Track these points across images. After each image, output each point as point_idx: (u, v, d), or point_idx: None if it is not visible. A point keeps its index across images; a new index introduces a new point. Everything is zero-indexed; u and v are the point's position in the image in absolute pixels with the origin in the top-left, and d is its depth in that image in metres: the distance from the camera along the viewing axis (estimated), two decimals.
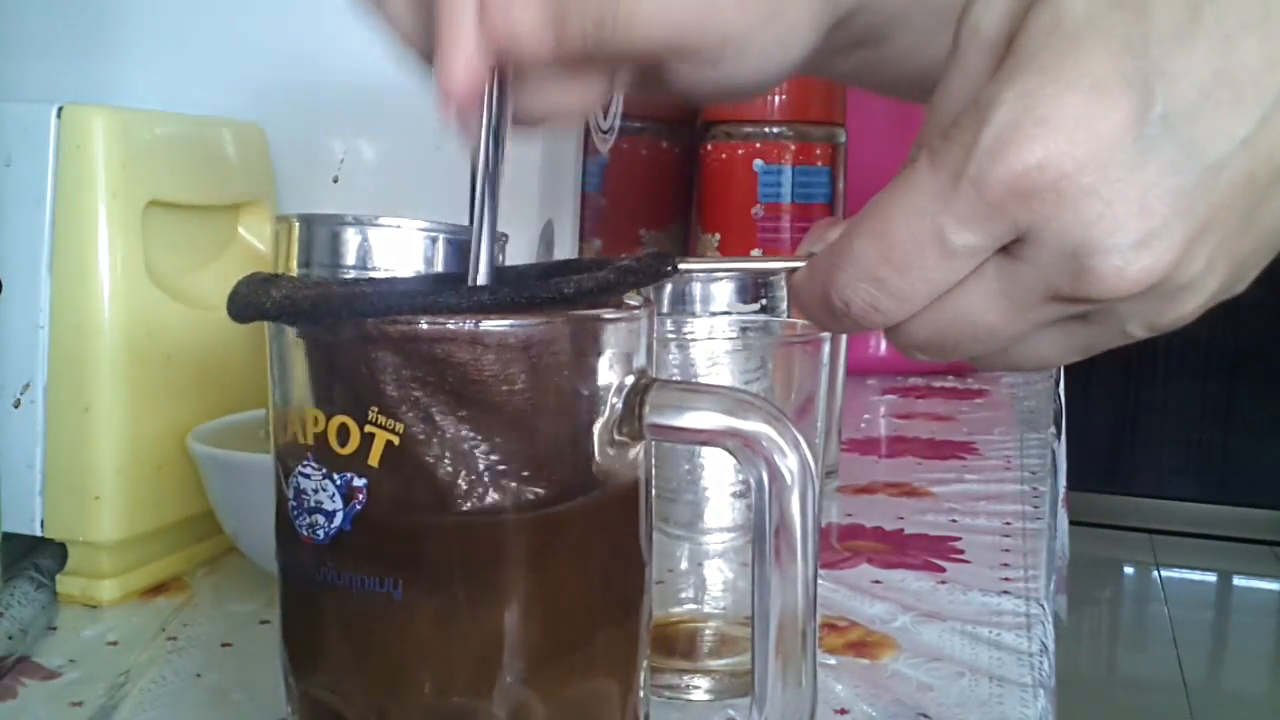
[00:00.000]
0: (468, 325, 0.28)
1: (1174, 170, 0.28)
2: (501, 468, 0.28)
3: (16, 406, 0.53)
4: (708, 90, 0.38)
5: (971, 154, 0.28)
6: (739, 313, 0.57)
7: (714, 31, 0.35)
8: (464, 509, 0.28)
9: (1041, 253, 0.29)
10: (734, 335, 0.48)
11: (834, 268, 0.31)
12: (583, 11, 0.33)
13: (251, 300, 0.29)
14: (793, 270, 0.33)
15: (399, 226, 0.53)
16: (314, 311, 0.28)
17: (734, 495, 0.45)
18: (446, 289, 0.28)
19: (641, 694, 0.32)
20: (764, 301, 0.58)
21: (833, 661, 0.49)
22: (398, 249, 0.53)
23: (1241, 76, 0.28)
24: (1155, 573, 3.31)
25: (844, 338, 0.75)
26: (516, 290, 0.28)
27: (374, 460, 0.28)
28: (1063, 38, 0.28)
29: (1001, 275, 0.30)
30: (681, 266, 0.33)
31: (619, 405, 0.30)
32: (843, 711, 0.45)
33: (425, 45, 0.36)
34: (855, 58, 0.43)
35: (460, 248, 0.54)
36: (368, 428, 0.28)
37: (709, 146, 1.06)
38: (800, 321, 0.48)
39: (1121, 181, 0.28)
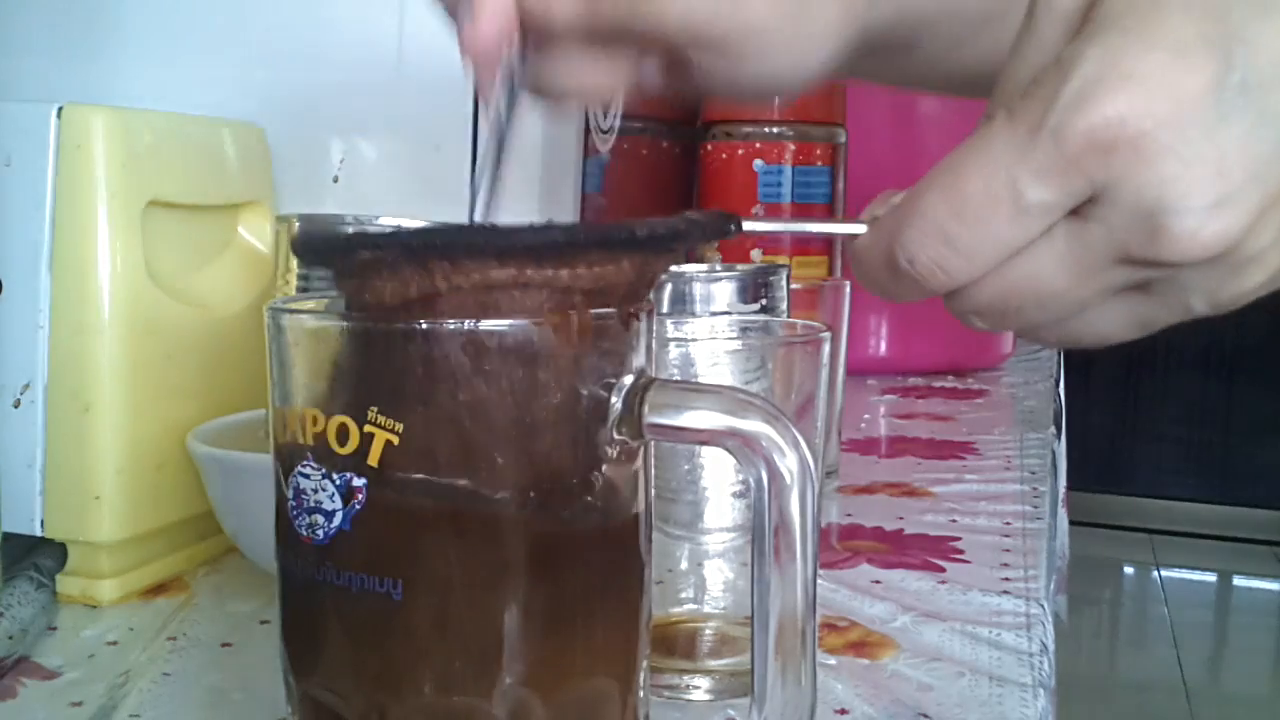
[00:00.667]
0: (468, 324, 0.28)
1: (1251, 137, 0.28)
2: (501, 467, 0.28)
3: (16, 406, 0.53)
4: (729, 87, 0.38)
5: (1052, 106, 0.28)
6: (739, 313, 0.57)
7: (741, 22, 0.35)
8: (463, 509, 0.28)
9: (1115, 212, 0.29)
10: (734, 335, 0.48)
11: (901, 225, 0.31)
12: None
13: (319, 239, 0.29)
14: (854, 236, 0.33)
15: (399, 226, 0.53)
16: (385, 243, 0.28)
17: (734, 495, 0.45)
18: (511, 231, 0.28)
19: (641, 694, 0.32)
20: (764, 301, 0.58)
21: (833, 661, 0.49)
22: None
23: None
24: (1155, 573, 3.31)
25: (844, 337, 0.75)
26: (590, 231, 0.28)
27: (373, 460, 0.28)
28: (1146, 3, 0.28)
29: (1071, 237, 0.30)
30: (745, 227, 0.33)
31: (619, 405, 0.30)
32: (843, 711, 0.45)
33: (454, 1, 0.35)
34: (881, 61, 0.43)
35: None
36: (367, 427, 0.28)
37: (709, 146, 1.06)
38: (800, 321, 0.48)
39: (1200, 143, 0.28)
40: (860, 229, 0.32)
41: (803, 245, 1.03)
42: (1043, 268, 0.30)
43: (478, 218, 0.32)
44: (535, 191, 0.74)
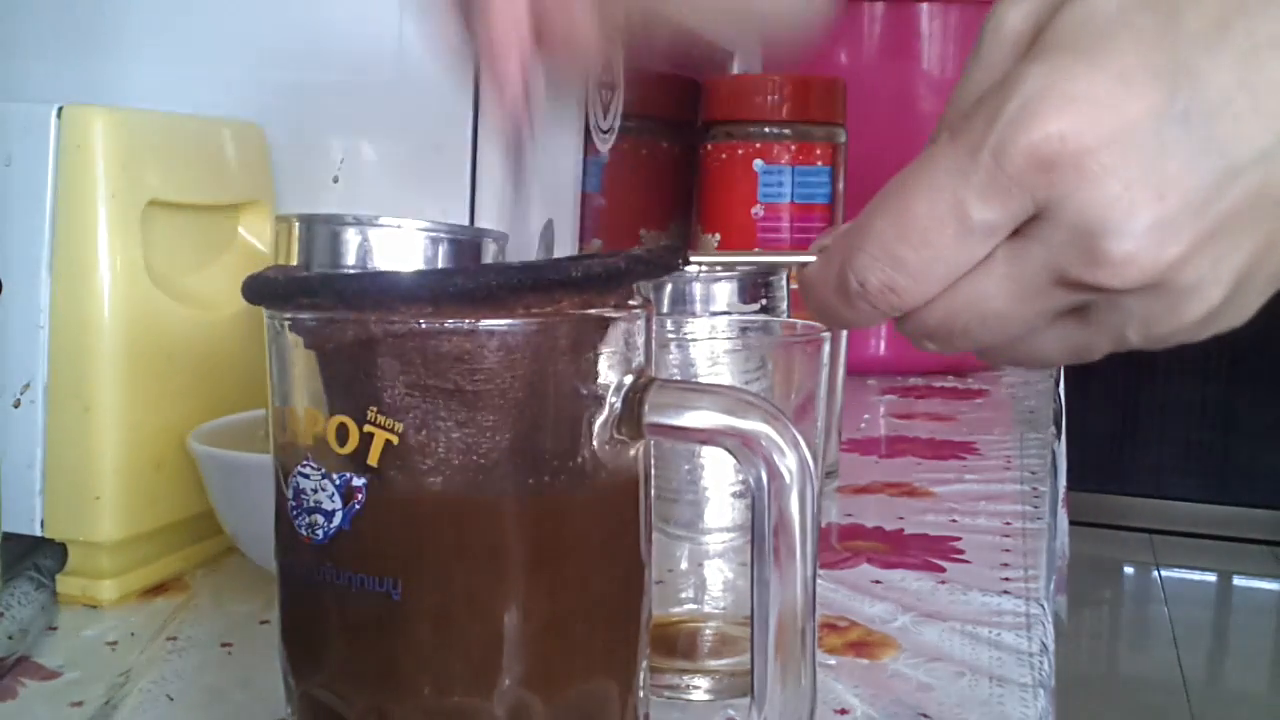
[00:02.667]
0: (467, 324, 0.28)
1: (1192, 166, 0.28)
2: (500, 468, 0.28)
3: (16, 406, 0.53)
4: (748, 40, 0.39)
5: (993, 124, 0.28)
6: (739, 313, 0.57)
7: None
8: (463, 509, 0.28)
9: (1055, 230, 0.29)
10: (734, 335, 0.48)
11: (851, 248, 0.31)
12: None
13: (262, 281, 0.29)
14: (804, 265, 0.33)
15: (399, 226, 0.53)
16: (321, 290, 0.28)
17: (734, 495, 0.45)
18: (456, 274, 0.28)
19: (641, 694, 0.32)
20: (764, 301, 0.58)
21: (833, 661, 0.49)
22: (398, 249, 0.53)
23: (1264, 89, 0.28)
24: (1155, 573, 3.31)
25: (844, 337, 0.74)
26: (524, 273, 0.28)
27: (373, 460, 0.28)
28: (1094, 30, 0.29)
29: (1010, 257, 0.30)
30: (693, 259, 0.33)
31: (618, 405, 0.30)
32: (843, 711, 0.45)
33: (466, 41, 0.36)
34: None
35: (459, 247, 0.54)
36: (367, 427, 0.28)
37: (709, 146, 1.06)
38: (800, 321, 0.48)
39: (1141, 166, 0.28)
40: (810, 259, 0.33)
41: (804, 245, 1.03)
42: (984, 289, 0.31)
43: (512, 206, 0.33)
44: (535, 191, 0.74)
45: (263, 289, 0.29)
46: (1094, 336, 0.32)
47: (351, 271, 0.29)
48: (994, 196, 0.29)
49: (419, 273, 0.28)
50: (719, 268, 0.59)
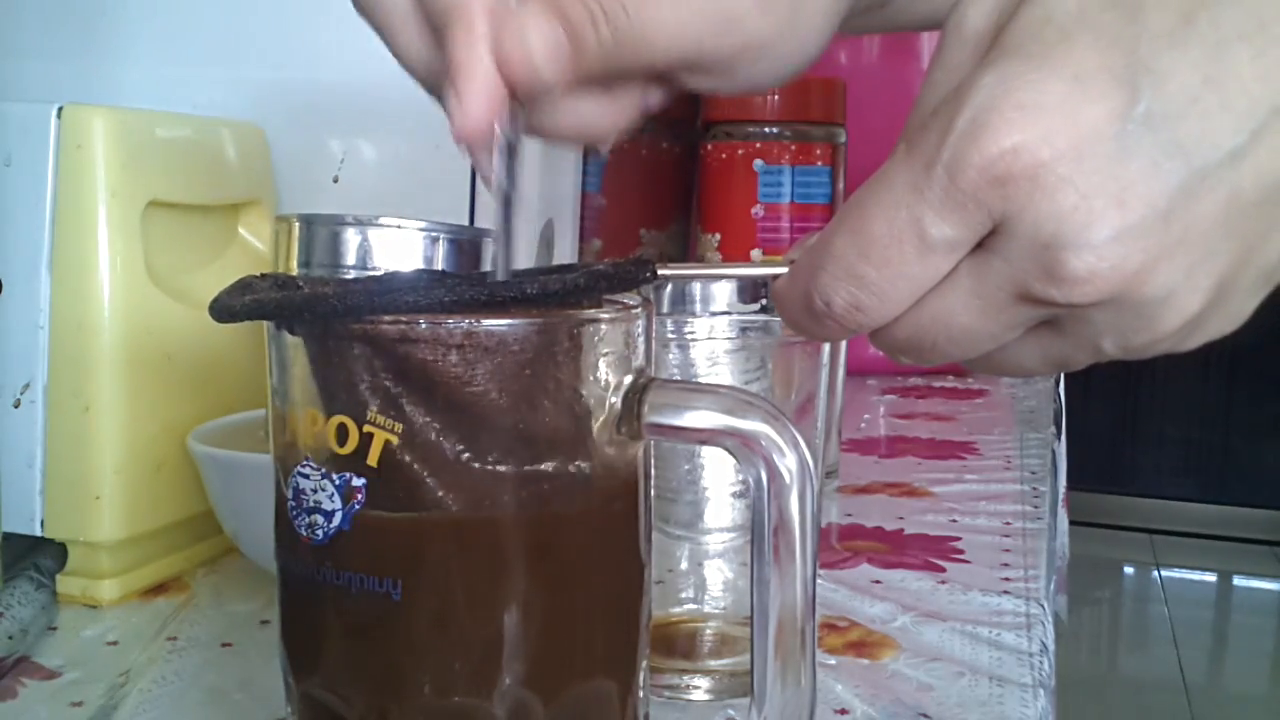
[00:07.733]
0: (465, 324, 0.28)
1: (1155, 170, 0.27)
2: (500, 468, 0.28)
3: (16, 406, 0.53)
4: (726, 92, 0.38)
5: (946, 139, 0.27)
6: (739, 313, 0.57)
7: (733, 43, 0.34)
8: (463, 509, 0.28)
9: (1013, 246, 0.28)
10: (734, 335, 0.48)
11: (815, 268, 0.30)
12: (598, 32, 0.33)
13: (225, 304, 0.29)
14: (776, 276, 0.32)
15: (399, 226, 0.53)
16: (278, 313, 0.28)
17: (734, 495, 0.45)
18: (410, 288, 0.28)
19: (641, 694, 0.32)
20: (764, 301, 0.58)
21: (833, 661, 0.49)
22: (398, 249, 0.53)
23: (1232, 85, 0.27)
24: (1155, 573, 3.31)
25: None
26: (476, 289, 0.28)
27: (373, 460, 0.28)
28: (1052, 31, 0.27)
29: (972, 272, 0.29)
30: (662, 272, 0.32)
31: (618, 405, 0.30)
32: (843, 711, 0.45)
33: (435, 77, 0.35)
34: (859, 21, 0.42)
35: (459, 247, 0.54)
36: (366, 427, 0.28)
37: (709, 146, 1.06)
38: None
39: (1099, 174, 0.27)
40: (783, 271, 0.32)
41: None
42: (952, 304, 0.30)
43: (498, 277, 0.32)
44: (535, 191, 0.74)
45: (223, 311, 0.30)
46: (1070, 348, 0.31)
47: (313, 284, 0.29)
48: (950, 213, 0.28)
49: (366, 290, 0.28)
50: None
